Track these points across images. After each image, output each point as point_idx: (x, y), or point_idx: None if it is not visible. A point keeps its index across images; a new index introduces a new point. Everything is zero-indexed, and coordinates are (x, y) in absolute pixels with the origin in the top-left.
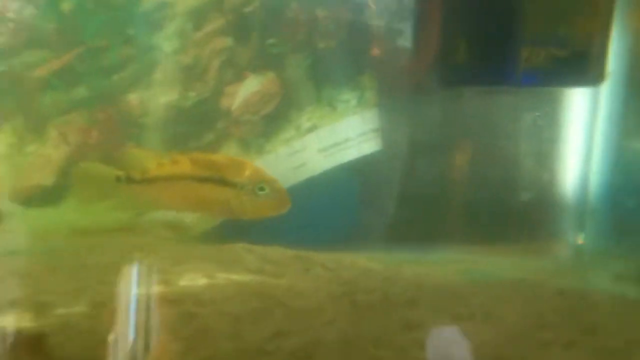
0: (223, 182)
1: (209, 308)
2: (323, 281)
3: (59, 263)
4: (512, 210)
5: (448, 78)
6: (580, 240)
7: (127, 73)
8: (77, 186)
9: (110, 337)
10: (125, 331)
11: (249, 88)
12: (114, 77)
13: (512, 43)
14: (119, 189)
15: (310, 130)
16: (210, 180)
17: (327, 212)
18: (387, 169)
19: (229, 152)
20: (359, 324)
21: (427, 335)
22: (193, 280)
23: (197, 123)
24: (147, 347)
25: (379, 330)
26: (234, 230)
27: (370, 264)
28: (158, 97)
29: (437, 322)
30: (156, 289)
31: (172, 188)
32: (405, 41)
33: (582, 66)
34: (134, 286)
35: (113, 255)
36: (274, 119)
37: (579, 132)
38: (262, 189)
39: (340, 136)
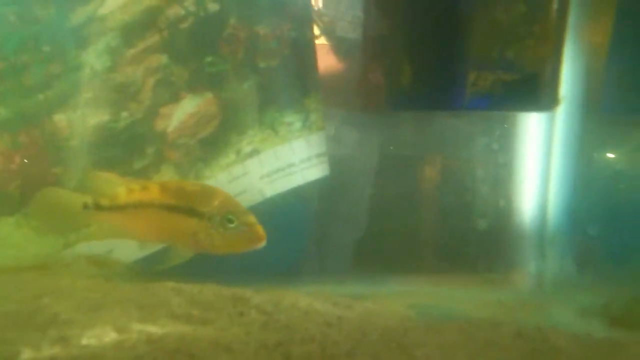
0: (192, 211)
1: None
2: (256, 328)
3: None
4: (467, 238)
5: (394, 101)
6: (539, 265)
7: (53, 92)
8: (39, 214)
9: None
10: None
11: (185, 109)
12: (38, 97)
13: (458, 67)
14: (86, 216)
15: (252, 155)
16: (179, 210)
17: (270, 243)
18: (334, 195)
19: (164, 177)
20: None
21: None
22: (99, 336)
23: (130, 146)
24: None
25: None
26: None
27: (314, 303)
28: (88, 118)
29: None
30: (50, 352)
31: (141, 216)
32: (353, 60)
33: (533, 91)
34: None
35: (16, 302)
36: (212, 142)
37: (534, 156)
38: (230, 220)
39: (284, 161)
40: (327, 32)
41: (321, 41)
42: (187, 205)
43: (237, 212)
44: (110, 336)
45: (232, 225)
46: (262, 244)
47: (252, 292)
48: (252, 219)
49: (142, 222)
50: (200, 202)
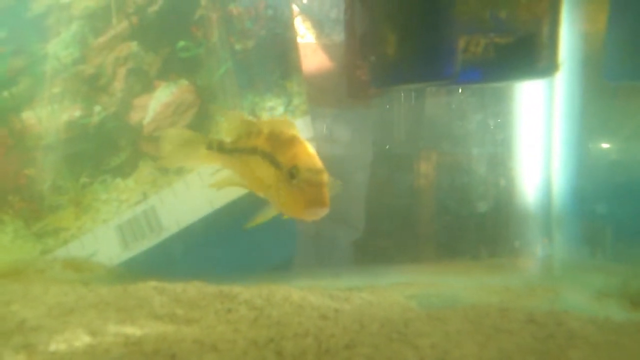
0: (273, 161)
1: None
2: (246, 324)
3: None
4: (467, 222)
5: (378, 77)
6: (547, 248)
7: (18, 88)
8: (167, 153)
9: None
10: None
11: (160, 99)
12: (3, 94)
13: (446, 31)
14: (209, 156)
15: None
16: (268, 158)
17: (264, 234)
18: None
19: (142, 172)
20: None
21: None
22: (69, 341)
23: (104, 142)
24: None
25: None
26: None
27: (309, 296)
28: (58, 114)
29: None
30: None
31: (247, 162)
32: (335, 37)
33: (530, 54)
34: None
35: None
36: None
37: (535, 133)
38: (292, 175)
39: None
40: (304, 7)
41: (299, 17)
42: (271, 154)
43: (302, 167)
44: (81, 340)
45: (294, 181)
46: (322, 209)
47: (240, 288)
48: (317, 177)
49: (246, 168)
50: (280, 152)
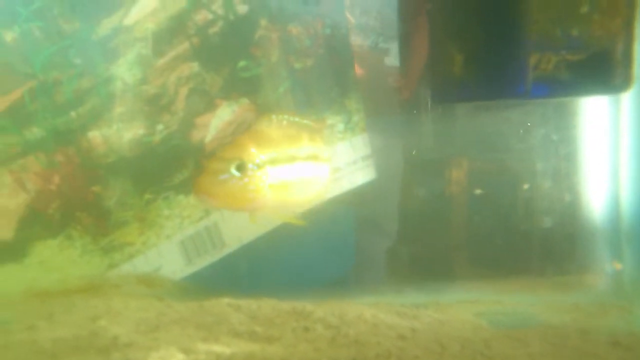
0: None
1: None
2: (324, 343)
3: (10, 339)
4: (532, 239)
5: (440, 93)
6: (617, 266)
7: (85, 108)
8: None
9: None
10: None
11: (221, 117)
12: (70, 114)
13: (516, 50)
14: None
15: None
16: None
17: (322, 250)
18: (384, 199)
19: None
20: None
21: None
22: (165, 358)
23: (167, 159)
24: None
25: None
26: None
27: (380, 314)
28: (122, 132)
29: None
30: None
31: None
32: (393, 56)
33: (603, 71)
34: None
35: (72, 326)
36: None
37: (601, 147)
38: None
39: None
40: (363, 25)
41: (357, 36)
42: None
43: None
44: (177, 358)
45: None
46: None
47: (312, 306)
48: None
49: None
50: None
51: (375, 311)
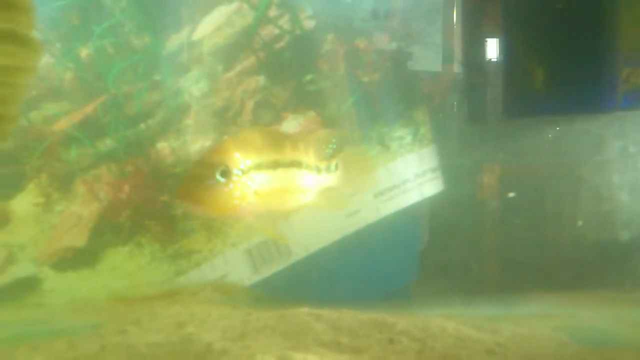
0: None
1: None
2: (412, 356)
3: (105, 343)
4: (608, 251)
5: (517, 108)
6: None
7: (154, 120)
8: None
9: None
10: None
11: (288, 129)
12: (140, 126)
13: (606, 64)
14: None
15: None
16: None
17: (387, 263)
18: (452, 212)
19: None
20: None
21: None
22: None
23: None
24: None
25: None
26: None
27: (461, 328)
28: (190, 144)
29: None
30: None
31: None
32: (463, 70)
33: None
34: None
35: (161, 332)
36: None
37: None
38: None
39: (397, 178)
40: (431, 38)
41: (424, 50)
42: None
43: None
44: None
45: None
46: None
47: (392, 317)
48: None
49: None
50: None
51: (456, 324)
